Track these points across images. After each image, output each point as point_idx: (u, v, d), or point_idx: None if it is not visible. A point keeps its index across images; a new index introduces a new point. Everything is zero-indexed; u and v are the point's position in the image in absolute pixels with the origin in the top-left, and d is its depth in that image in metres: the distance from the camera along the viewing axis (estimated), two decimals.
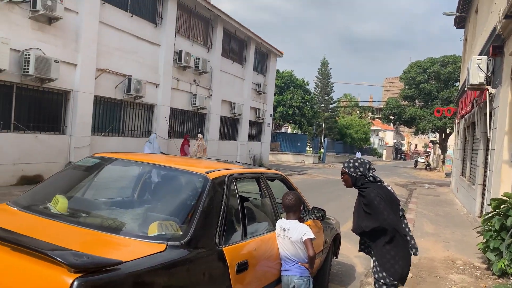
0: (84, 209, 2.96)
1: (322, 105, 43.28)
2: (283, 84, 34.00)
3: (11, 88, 9.60)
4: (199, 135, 15.33)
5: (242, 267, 2.80)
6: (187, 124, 17.13)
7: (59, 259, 1.80)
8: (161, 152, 4.90)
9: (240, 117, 21.04)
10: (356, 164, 3.33)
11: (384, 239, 3.17)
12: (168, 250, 2.33)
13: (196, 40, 16.86)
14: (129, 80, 12.66)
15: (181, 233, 2.52)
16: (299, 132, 39.79)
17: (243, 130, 21.61)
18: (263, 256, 3.19)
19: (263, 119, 23.82)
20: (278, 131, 38.53)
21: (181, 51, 15.15)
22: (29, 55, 9.36)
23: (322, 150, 38.83)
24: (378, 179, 3.31)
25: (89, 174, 3.49)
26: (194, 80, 16.67)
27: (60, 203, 2.81)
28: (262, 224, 3.55)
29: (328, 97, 44.28)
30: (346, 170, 3.34)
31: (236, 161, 4.69)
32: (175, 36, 15.06)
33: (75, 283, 1.78)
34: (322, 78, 43.61)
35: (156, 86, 14.37)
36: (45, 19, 10.04)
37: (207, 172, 2.95)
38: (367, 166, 3.34)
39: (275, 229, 3.47)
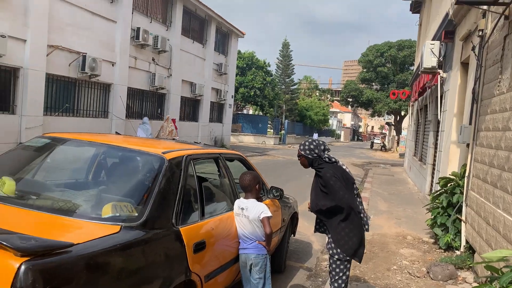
0: (34, 191, 2.84)
1: (283, 87, 43.48)
2: (244, 65, 33.80)
3: None
4: (167, 116, 15.26)
5: (200, 246, 2.81)
6: (146, 104, 16.72)
7: (4, 243, 1.72)
8: (116, 132, 4.75)
9: (201, 98, 20.78)
10: (312, 146, 3.42)
11: (340, 217, 3.29)
12: (122, 231, 2.29)
13: (155, 18, 16.33)
14: (84, 57, 12.11)
15: (136, 214, 2.48)
16: (261, 113, 39.92)
17: (204, 111, 21.39)
18: (221, 235, 3.20)
19: (224, 100, 23.67)
20: (239, 112, 38.48)
21: (138, 29, 14.63)
22: None
23: (282, 132, 39.23)
24: (333, 159, 3.41)
25: (39, 154, 3.35)
26: (153, 59, 16.21)
27: (7, 185, 2.68)
28: (220, 204, 3.56)
29: (289, 79, 44.52)
30: (302, 152, 3.44)
31: (194, 142, 4.65)
32: (132, 13, 14.48)
33: (22, 267, 1.71)
34: (283, 60, 43.68)
35: (113, 65, 13.86)
36: None
37: (163, 153, 2.92)
38: (322, 147, 3.43)
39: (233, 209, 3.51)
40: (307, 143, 3.46)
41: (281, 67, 43.91)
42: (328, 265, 3.50)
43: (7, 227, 2.08)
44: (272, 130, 39.58)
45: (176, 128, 15.20)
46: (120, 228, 2.30)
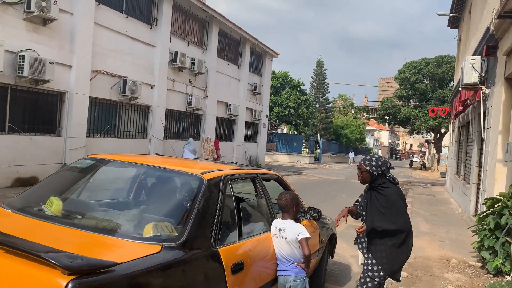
0: (79, 211, 2.94)
1: (318, 105, 43.34)
2: (278, 85, 34.05)
3: (5, 89, 9.54)
4: (207, 137, 15.68)
5: (238, 267, 2.80)
6: (183, 125, 17.12)
7: (53, 261, 1.79)
8: (156, 153, 4.90)
9: (236, 118, 21.04)
10: (379, 162, 3.31)
11: (394, 240, 3.22)
12: (163, 251, 2.32)
13: (192, 41, 16.85)
14: (125, 81, 12.64)
15: (176, 234, 2.51)
16: (295, 132, 39.83)
17: (239, 131, 21.61)
18: (258, 256, 3.19)
19: (259, 119, 23.84)
20: (274, 131, 38.56)
21: (176, 52, 15.14)
22: (23, 56, 9.31)
23: (317, 151, 38.89)
24: (397, 180, 3.35)
25: (84, 175, 3.47)
26: (190, 81, 16.65)
27: (54, 205, 2.79)
28: (257, 225, 3.54)
29: (324, 98, 44.36)
30: (368, 168, 3.30)
31: (231, 162, 4.70)
32: (170, 37, 15.05)
33: (70, 285, 1.77)
34: (318, 78, 43.67)
35: (152, 87, 14.35)
36: (40, 20, 10.00)
37: (202, 173, 2.95)
38: (388, 165, 3.36)
39: (271, 230, 3.49)
40: (374, 159, 3.33)
41: (316, 85, 43.88)
42: (360, 285, 3.35)
43: (55, 245, 2.15)
44: (306, 149, 39.29)
45: (218, 149, 15.60)
46: (161, 248, 2.34)
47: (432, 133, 41.83)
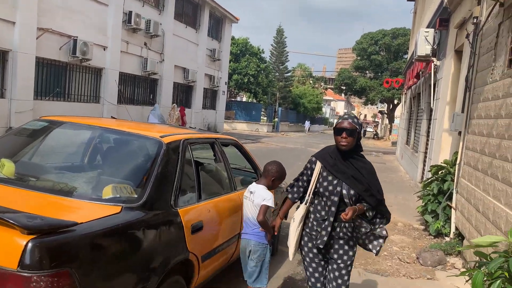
0: (33, 173, 2.86)
1: (277, 74, 43.27)
2: (238, 52, 33.53)
3: None
4: (173, 105, 15.51)
5: (197, 228, 2.87)
6: (138, 90, 16.57)
7: (11, 221, 1.77)
8: (111, 116, 4.75)
9: (194, 84, 20.63)
10: (359, 122, 2.84)
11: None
12: (123, 212, 2.33)
13: (147, 1, 16.07)
14: (75, 41, 11.92)
15: (136, 195, 2.52)
16: (254, 101, 39.77)
17: (197, 98, 21.26)
18: (217, 217, 3.27)
19: (217, 86, 23.52)
20: (233, 99, 38.30)
21: (130, 12, 14.40)
22: None
23: (276, 119, 39.18)
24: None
25: (36, 137, 3.34)
26: (145, 44, 16.01)
27: (6, 167, 2.68)
28: (216, 188, 3.59)
29: (283, 66, 44.29)
30: (358, 127, 2.75)
31: (190, 127, 4.68)
32: None
33: (29, 244, 1.76)
34: (278, 46, 43.37)
35: (104, 49, 13.66)
36: None
37: (161, 137, 2.95)
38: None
39: (229, 193, 3.58)
40: (353, 115, 2.87)
41: (275, 54, 43.62)
42: (343, 283, 2.90)
43: (11, 207, 2.09)
44: (265, 118, 39.48)
45: (184, 115, 15.40)
46: (121, 209, 2.34)
47: (385, 104, 43.23)
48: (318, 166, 2.86)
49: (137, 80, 16.32)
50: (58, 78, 12.24)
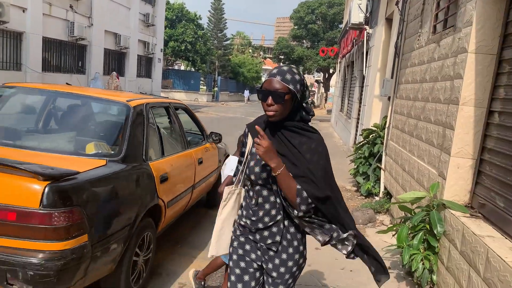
0: (8, 136, 3.16)
1: (216, 42, 42.36)
2: (174, 17, 32.20)
3: None
4: (113, 73, 14.85)
5: (164, 178, 3.40)
6: (65, 57, 15.41)
7: (29, 170, 2.18)
8: (66, 83, 4.68)
9: (127, 51, 19.59)
10: (302, 76, 1.85)
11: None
12: (109, 164, 2.76)
13: None
14: None
15: (113, 152, 2.95)
16: (192, 69, 38.81)
17: (131, 65, 20.28)
18: (178, 169, 3.84)
19: (153, 53, 22.56)
20: (170, 67, 37.05)
21: None
22: None
23: (215, 89, 38.69)
24: (312, 113, 1.98)
25: (4, 103, 3.58)
26: (71, 6, 14.80)
27: None
28: (174, 146, 4.12)
29: (222, 34, 43.41)
30: (291, 87, 1.77)
31: (141, 92, 4.82)
32: None
33: (47, 188, 2.18)
34: (215, 13, 42.28)
35: (24, 11, 12.43)
36: None
37: (128, 101, 3.37)
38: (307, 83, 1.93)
39: (185, 150, 4.13)
40: (294, 70, 1.84)
41: (213, 20, 42.56)
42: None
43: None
44: (204, 87, 38.78)
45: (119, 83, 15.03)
46: (106, 162, 2.77)
47: (321, 73, 44.24)
48: (250, 139, 2.04)
49: (64, 46, 15.14)
50: None
